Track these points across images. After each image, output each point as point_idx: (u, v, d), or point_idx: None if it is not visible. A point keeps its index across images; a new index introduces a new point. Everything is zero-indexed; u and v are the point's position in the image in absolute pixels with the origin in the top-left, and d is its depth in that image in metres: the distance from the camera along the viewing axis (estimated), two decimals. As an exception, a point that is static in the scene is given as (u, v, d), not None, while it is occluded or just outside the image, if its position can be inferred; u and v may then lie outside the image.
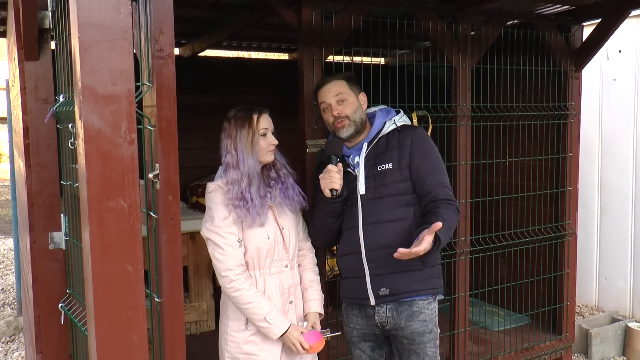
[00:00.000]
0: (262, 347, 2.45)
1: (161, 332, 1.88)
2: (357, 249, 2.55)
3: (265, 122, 2.46)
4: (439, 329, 2.64)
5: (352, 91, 2.60)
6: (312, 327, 2.54)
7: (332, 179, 2.48)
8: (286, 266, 2.52)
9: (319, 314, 2.60)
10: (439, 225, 2.27)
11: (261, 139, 2.44)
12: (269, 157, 2.49)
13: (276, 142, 2.49)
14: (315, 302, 2.59)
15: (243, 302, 2.38)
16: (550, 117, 3.96)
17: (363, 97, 2.67)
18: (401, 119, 2.65)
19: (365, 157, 2.57)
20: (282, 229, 2.50)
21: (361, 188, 2.53)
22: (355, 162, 2.59)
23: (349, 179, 2.58)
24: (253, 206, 2.37)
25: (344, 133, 2.57)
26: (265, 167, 2.54)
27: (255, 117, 2.44)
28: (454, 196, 2.56)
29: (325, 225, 2.60)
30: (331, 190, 2.48)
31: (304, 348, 2.44)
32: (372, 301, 2.56)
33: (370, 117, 2.69)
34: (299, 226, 2.62)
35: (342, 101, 2.56)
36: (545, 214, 4.15)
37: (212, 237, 2.40)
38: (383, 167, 2.53)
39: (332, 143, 2.56)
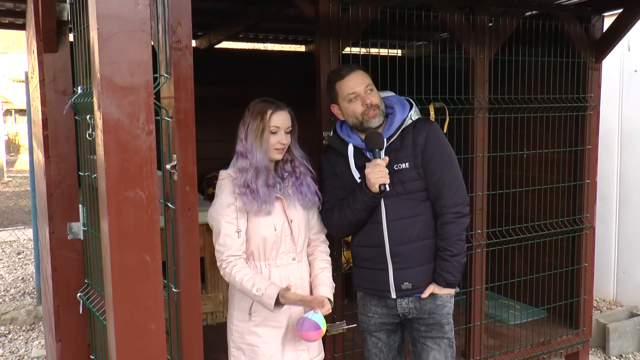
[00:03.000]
0: (264, 339, 2.45)
1: (179, 322, 1.90)
2: (381, 244, 2.54)
3: (278, 120, 2.42)
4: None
5: (371, 81, 2.58)
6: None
7: (382, 173, 2.42)
8: (293, 259, 2.51)
9: (329, 299, 2.54)
10: (428, 291, 2.54)
11: (271, 136, 2.41)
12: (275, 155, 2.45)
13: (285, 141, 2.45)
14: (325, 287, 2.55)
15: (235, 283, 2.39)
16: (568, 109, 3.91)
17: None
18: (415, 113, 2.63)
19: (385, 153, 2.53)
20: (291, 221, 2.49)
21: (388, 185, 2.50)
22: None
23: (363, 174, 2.53)
24: (258, 197, 2.37)
25: (375, 122, 2.52)
26: (282, 160, 2.53)
27: (269, 112, 2.41)
28: (463, 194, 2.55)
29: (359, 219, 2.56)
30: (380, 185, 2.43)
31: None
32: (393, 294, 2.57)
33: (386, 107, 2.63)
34: (311, 221, 2.60)
35: (371, 90, 2.52)
36: (563, 207, 4.11)
37: (213, 224, 2.44)
38: (400, 166, 2.51)
39: (372, 137, 2.48)
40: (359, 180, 2.53)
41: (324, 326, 2.36)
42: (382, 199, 2.51)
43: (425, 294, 2.55)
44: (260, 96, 2.52)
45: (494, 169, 3.89)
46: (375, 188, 2.43)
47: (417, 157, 2.51)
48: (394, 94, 2.74)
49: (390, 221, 2.53)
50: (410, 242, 2.53)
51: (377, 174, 2.42)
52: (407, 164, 2.51)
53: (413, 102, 2.67)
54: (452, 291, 2.59)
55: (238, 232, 2.39)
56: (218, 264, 2.41)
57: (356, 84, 2.51)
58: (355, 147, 2.58)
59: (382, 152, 2.50)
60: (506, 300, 4.53)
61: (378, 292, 2.61)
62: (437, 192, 2.52)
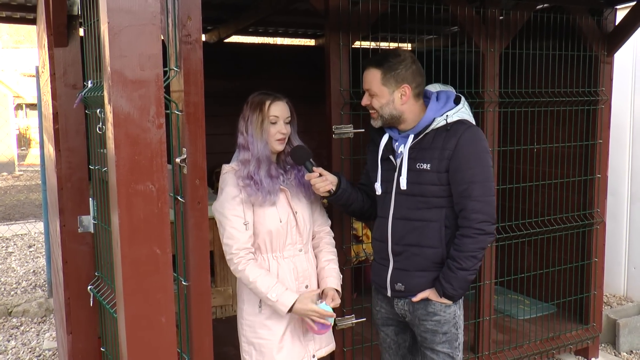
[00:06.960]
0: (274, 331, 2.46)
1: (188, 315, 1.90)
2: (385, 239, 2.53)
3: (277, 110, 2.44)
4: (460, 330, 2.52)
5: (385, 86, 2.40)
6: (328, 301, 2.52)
7: (320, 184, 2.48)
8: (300, 250, 2.52)
9: (337, 290, 2.56)
10: (421, 295, 2.44)
11: (271, 126, 2.43)
12: (277, 146, 2.46)
13: (285, 131, 2.45)
14: (332, 278, 2.56)
15: (247, 282, 2.39)
16: (579, 103, 3.89)
17: (402, 91, 2.40)
18: (457, 114, 2.41)
19: (409, 150, 2.44)
20: (296, 213, 2.50)
21: (402, 183, 2.43)
22: (399, 151, 2.49)
23: (389, 166, 2.52)
24: (262, 187, 2.38)
25: (374, 123, 2.52)
26: (283, 152, 2.53)
27: (267, 102, 2.43)
28: (490, 211, 2.35)
29: (352, 209, 2.69)
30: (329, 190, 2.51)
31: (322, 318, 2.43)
32: (389, 293, 2.55)
33: (427, 99, 2.51)
34: (315, 212, 2.63)
35: (370, 95, 2.47)
36: (573, 202, 4.09)
37: (219, 219, 2.43)
38: (421, 166, 2.39)
39: (295, 152, 2.49)
40: (379, 171, 2.56)
41: (332, 320, 2.43)
42: (394, 195, 2.49)
43: (417, 298, 2.45)
44: (265, 89, 2.53)
45: (504, 163, 3.87)
46: (324, 195, 2.54)
47: (442, 161, 2.36)
48: (446, 90, 2.53)
49: (395, 219, 2.50)
50: (411, 245, 2.44)
51: (316, 187, 2.49)
52: (428, 165, 2.38)
53: (462, 99, 2.49)
54: (448, 301, 2.44)
55: (245, 224, 2.40)
56: (228, 257, 2.41)
57: (363, 80, 2.50)
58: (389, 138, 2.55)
59: (311, 164, 2.49)
60: (515, 295, 4.52)
61: (381, 289, 2.61)
62: (462, 204, 2.35)
